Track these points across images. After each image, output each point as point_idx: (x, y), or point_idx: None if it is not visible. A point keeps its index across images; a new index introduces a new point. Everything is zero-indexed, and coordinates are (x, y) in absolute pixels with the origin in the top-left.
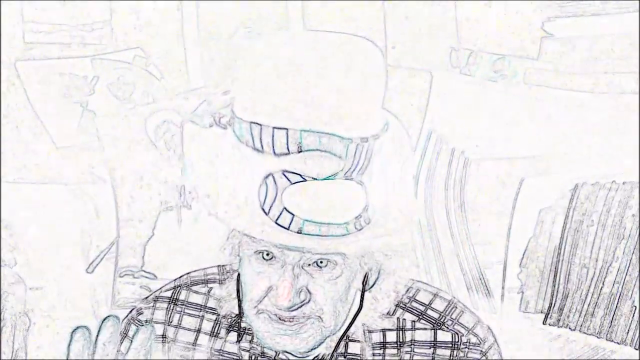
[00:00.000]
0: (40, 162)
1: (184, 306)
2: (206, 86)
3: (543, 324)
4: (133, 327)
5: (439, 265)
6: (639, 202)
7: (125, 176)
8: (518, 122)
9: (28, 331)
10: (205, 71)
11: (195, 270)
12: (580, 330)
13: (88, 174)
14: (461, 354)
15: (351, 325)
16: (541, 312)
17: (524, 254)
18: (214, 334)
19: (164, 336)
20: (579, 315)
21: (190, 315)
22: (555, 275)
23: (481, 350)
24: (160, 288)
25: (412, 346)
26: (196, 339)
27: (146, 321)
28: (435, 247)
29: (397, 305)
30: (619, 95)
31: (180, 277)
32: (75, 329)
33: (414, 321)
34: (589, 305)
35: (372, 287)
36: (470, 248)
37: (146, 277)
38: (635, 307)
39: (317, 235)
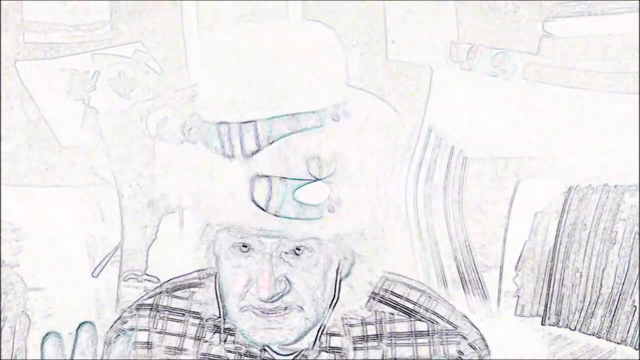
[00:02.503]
0: (44, 165)
1: (166, 312)
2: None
3: (542, 324)
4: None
5: (437, 267)
6: (639, 203)
7: (127, 177)
8: (516, 120)
9: (28, 332)
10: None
11: (176, 277)
12: (580, 330)
13: (93, 176)
14: (440, 341)
15: (329, 316)
16: (537, 315)
17: (519, 257)
18: (199, 337)
19: (149, 343)
20: (579, 316)
21: (173, 320)
22: (550, 279)
23: (459, 334)
24: (143, 296)
25: (392, 338)
26: (181, 344)
27: (131, 329)
28: (433, 249)
29: (374, 299)
30: (618, 95)
31: (162, 284)
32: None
33: (392, 313)
34: (588, 305)
35: (347, 275)
36: (467, 250)
37: (149, 281)
38: (635, 307)
39: (293, 218)
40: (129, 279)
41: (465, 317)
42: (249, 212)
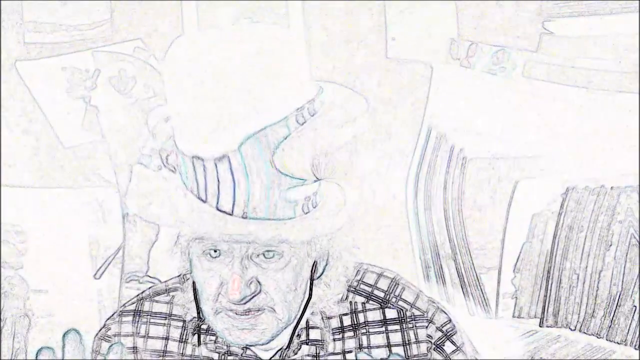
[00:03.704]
0: (46, 166)
1: (149, 316)
2: None
3: (540, 326)
4: (105, 344)
5: (437, 268)
6: (639, 202)
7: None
8: (515, 118)
9: (28, 332)
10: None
11: (157, 284)
12: (580, 331)
13: (95, 177)
14: (409, 326)
15: (303, 314)
16: (535, 317)
17: (517, 259)
18: (183, 339)
19: (134, 347)
20: (578, 316)
21: (156, 324)
22: (547, 281)
23: (426, 319)
24: (125, 303)
25: (367, 327)
26: (165, 347)
27: (115, 335)
28: (433, 250)
29: (348, 290)
30: (618, 95)
31: (144, 291)
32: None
33: (364, 303)
34: (587, 306)
35: (321, 275)
36: (467, 252)
37: (151, 283)
38: (635, 307)
39: (263, 218)
40: (131, 280)
41: (433, 301)
42: (216, 222)
